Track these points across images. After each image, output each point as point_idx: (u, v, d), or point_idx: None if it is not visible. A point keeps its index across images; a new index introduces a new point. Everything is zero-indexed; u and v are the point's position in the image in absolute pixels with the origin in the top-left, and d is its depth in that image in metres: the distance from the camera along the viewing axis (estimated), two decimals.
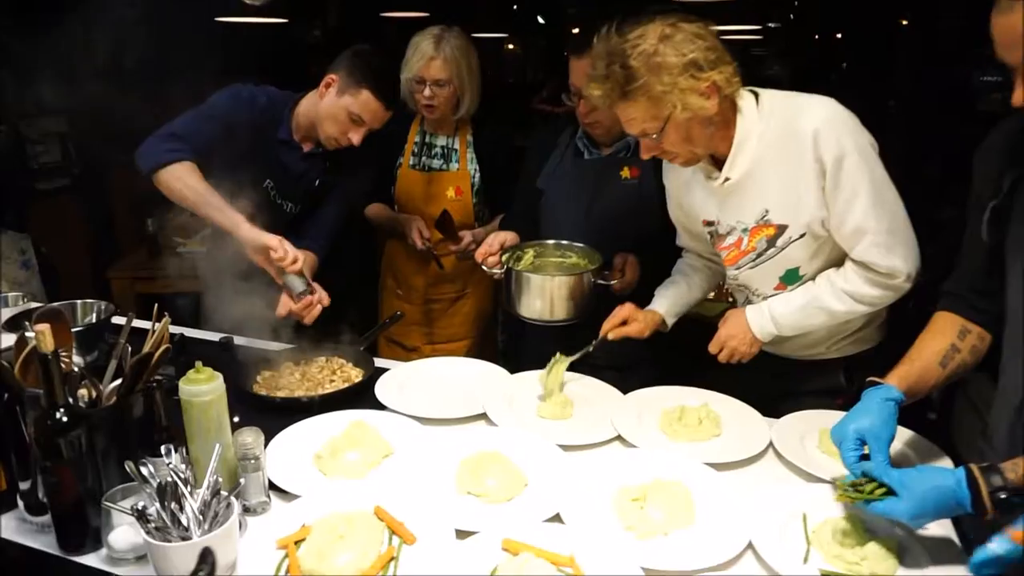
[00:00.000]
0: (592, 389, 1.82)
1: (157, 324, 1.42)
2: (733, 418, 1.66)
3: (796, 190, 1.53)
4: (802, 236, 1.58)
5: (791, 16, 8.22)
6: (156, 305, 1.46)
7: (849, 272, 1.58)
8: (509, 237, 2.03)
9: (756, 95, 1.57)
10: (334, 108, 1.99)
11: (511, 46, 9.70)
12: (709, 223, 1.73)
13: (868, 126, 1.53)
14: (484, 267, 1.97)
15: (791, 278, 1.67)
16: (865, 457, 1.26)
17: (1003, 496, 1.06)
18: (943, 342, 1.37)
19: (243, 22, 3.87)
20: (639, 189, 2.03)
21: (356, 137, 2.01)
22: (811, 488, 1.41)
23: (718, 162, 1.61)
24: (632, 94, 1.44)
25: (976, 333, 1.37)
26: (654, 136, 1.50)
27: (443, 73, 2.29)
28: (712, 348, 1.74)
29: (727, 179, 1.59)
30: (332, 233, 2.23)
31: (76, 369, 1.28)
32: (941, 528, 1.24)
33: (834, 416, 1.63)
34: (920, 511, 1.13)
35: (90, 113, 2.37)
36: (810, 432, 1.59)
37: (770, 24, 8.08)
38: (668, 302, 1.84)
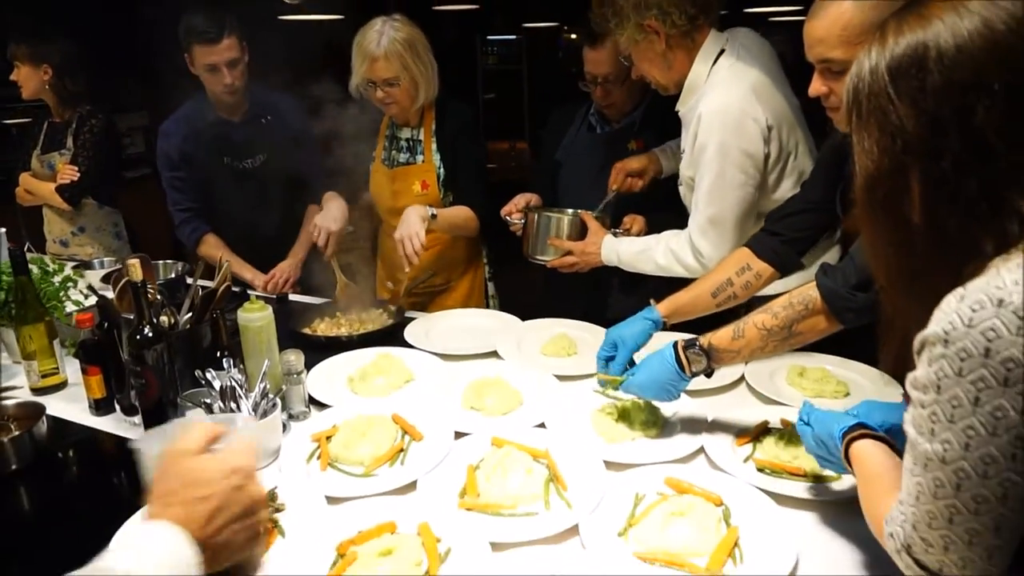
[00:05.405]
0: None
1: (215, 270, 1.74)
2: None
3: (688, 147, 1.80)
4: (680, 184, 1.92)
5: None
6: (221, 256, 1.79)
7: (683, 236, 1.85)
8: (534, 198, 2.32)
9: (722, 53, 1.78)
10: (201, 77, 2.46)
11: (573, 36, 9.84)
12: None
13: None
14: (507, 219, 2.25)
15: None
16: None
17: (688, 351, 1.38)
18: (722, 275, 1.61)
19: (303, 20, 4.21)
20: None
21: (227, 79, 2.41)
22: (770, 410, 1.61)
23: None
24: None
25: (756, 271, 1.58)
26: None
27: (389, 72, 2.20)
28: (567, 247, 2.06)
29: (678, 110, 1.88)
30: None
31: (159, 298, 1.60)
32: None
33: (807, 356, 1.83)
34: (648, 379, 1.44)
35: (169, 110, 2.71)
36: (781, 368, 1.79)
37: None
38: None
